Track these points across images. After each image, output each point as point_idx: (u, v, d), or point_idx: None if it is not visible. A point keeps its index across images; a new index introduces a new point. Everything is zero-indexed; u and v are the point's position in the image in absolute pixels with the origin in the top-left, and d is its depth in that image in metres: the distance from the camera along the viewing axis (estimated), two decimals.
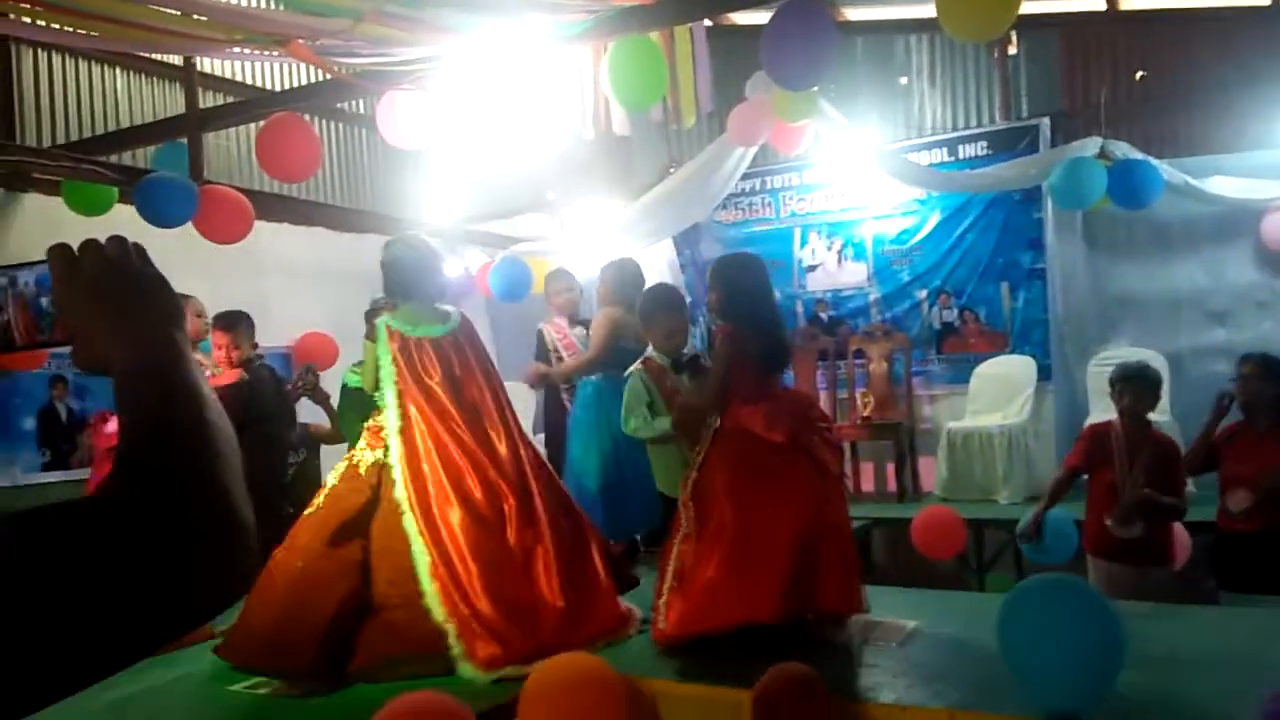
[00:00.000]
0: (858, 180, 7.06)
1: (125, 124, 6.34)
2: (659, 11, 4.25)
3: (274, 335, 5.73)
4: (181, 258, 4.80)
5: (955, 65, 7.40)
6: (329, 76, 4.89)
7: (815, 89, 5.15)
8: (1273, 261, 6.17)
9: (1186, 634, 3.10)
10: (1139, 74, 6.82)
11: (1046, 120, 6.76)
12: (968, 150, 7.01)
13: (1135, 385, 4.11)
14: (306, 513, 3.37)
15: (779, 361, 3.48)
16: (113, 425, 4.07)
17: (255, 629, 3.10)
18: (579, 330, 5.08)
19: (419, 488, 3.24)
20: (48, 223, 5.27)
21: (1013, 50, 7.12)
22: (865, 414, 6.94)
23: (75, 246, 0.85)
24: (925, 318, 7.22)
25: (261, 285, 6.39)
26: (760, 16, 5.49)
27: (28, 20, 3.91)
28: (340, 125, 8.05)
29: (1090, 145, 5.71)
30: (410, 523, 3.18)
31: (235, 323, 4.73)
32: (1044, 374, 6.66)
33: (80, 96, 6.25)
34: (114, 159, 5.41)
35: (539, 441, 4.94)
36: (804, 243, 7.61)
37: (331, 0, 3.73)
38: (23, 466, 5.59)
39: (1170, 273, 6.45)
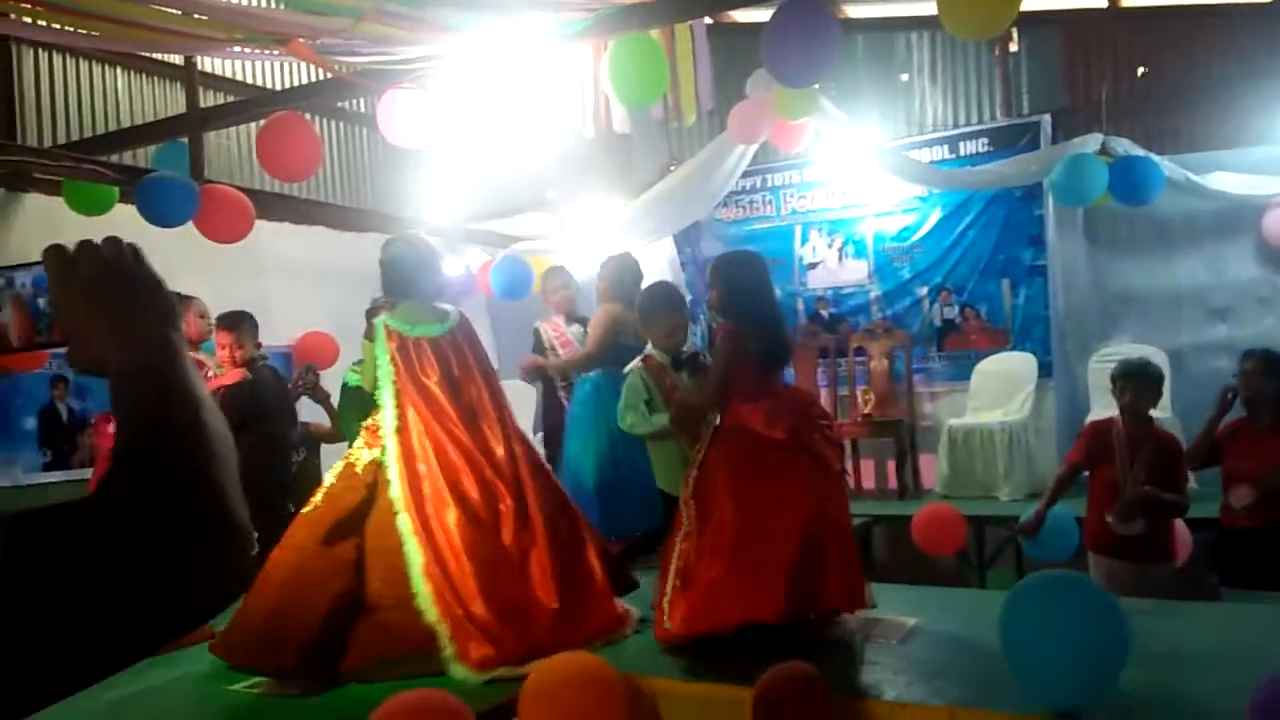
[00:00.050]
0: (858, 177, 7.05)
1: (126, 124, 6.34)
2: (659, 9, 4.25)
3: (275, 334, 5.73)
4: (182, 257, 4.85)
5: (956, 62, 7.39)
6: (329, 75, 4.89)
7: (816, 86, 5.14)
8: (1274, 257, 6.15)
9: (1188, 630, 3.09)
10: (1140, 70, 6.82)
11: (1048, 117, 6.74)
12: (969, 147, 6.99)
13: (1137, 382, 4.11)
14: (304, 511, 3.36)
15: (779, 359, 3.48)
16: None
17: (250, 627, 3.09)
18: (576, 328, 5.09)
19: (414, 487, 3.22)
20: (49, 223, 5.27)
21: (1014, 47, 7.12)
22: (866, 411, 6.93)
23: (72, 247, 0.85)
24: (926, 315, 7.21)
25: (262, 284, 6.40)
26: (761, 14, 5.47)
27: (28, 20, 3.91)
28: (341, 124, 8.06)
29: (1091, 142, 5.69)
30: (405, 522, 3.16)
31: (238, 323, 4.74)
32: (1045, 371, 6.65)
33: (81, 96, 6.25)
34: (115, 159, 5.41)
35: (538, 441, 4.95)
36: (805, 240, 7.60)
37: None
38: (24, 466, 5.60)
39: (1171, 269, 6.43)
